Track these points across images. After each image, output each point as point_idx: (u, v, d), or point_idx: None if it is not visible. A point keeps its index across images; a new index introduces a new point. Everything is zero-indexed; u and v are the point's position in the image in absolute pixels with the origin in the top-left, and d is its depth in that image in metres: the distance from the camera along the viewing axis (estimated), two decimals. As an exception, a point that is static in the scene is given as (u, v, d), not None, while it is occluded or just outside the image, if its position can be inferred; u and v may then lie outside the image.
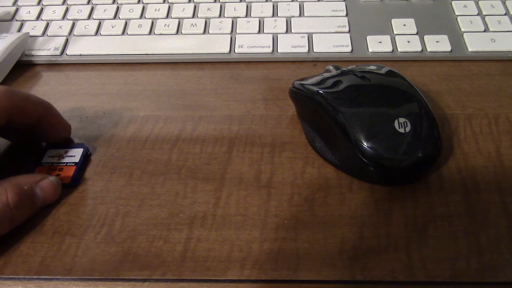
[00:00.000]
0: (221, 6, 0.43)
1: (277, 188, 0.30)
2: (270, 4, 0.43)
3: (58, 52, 0.40)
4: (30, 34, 0.41)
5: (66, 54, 0.40)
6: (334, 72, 0.32)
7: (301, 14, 0.42)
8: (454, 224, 0.27)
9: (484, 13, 0.41)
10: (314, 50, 0.39)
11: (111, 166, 0.31)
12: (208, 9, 0.43)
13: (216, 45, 0.40)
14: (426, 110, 0.30)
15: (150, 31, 0.41)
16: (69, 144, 0.33)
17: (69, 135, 0.33)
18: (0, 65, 0.37)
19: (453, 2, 0.42)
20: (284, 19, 0.41)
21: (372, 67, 0.32)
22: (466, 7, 0.42)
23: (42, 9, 0.44)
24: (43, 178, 0.28)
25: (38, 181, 0.28)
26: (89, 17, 0.43)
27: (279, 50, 0.39)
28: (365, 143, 0.28)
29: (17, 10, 0.44)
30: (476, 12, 0.41)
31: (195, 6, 0.43)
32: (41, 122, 0.30)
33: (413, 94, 0.31)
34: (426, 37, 0.39)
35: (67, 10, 0.43)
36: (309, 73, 0.35)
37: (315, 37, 0.40)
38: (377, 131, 0.28)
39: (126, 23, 0.42)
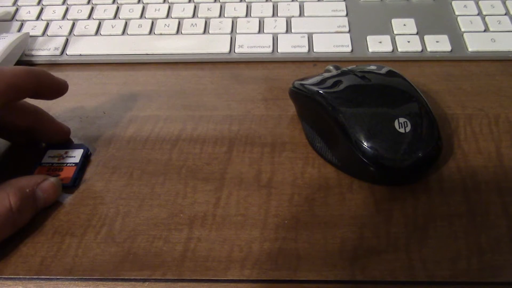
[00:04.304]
0: (221, 6, 0.43)
1: (277, 188, 0.30)
2: (270, 4, 0.43)
3: (58, 52, 0.40)
4: (30, 34, 0.41)
5: (66, 54, 0.40)
6: (334, 72, 0.32)
7: (301, 14, 0.42)
8: (454, 224, 0.27)
9: (484, 13, 0.41)
10: (314, 50, 0.39)
11: (111, 166, 0.31)
12: (208, 9, 0.43)
13: (216, 45, 0.40)
14: (426, 110, 0.30)
15: (150, 31, 0.41)
16: (69, 144, 0.33)
17: (66, 90, 0.31)
18: (0, 65, 0.37)
19: (453, 2, 0.42)
20: (284, 19, 0.41)
21: (372, 67, 0.32)
22: (466, 7, 0.42)
23: (42, 9, 0.44)
24: (44, 180, 0.28)
25: (39, 183, 0.28)
26: (89, 17, 0.43)
27: (279, 50, 0.39)
28: (365, 143, 0.28)
29: (17, 10, 0.44)
30: (476, 12, 0.41)
31: (195, 6, 0.43)
32: (38, 89, 0.29)
33: (413, 94, 0.31)
34: (426, 37, 0.39)
35: (67, 10, 0.43)
36: (309, 73, 0.35)
37: (315, 37, 0.40)
38: (377, 131, 0.28)
39: (126, 23, 0.42)
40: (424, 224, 0.27)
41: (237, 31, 0.41)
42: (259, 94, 0.36)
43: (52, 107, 0.34)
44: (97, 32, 0.41)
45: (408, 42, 0.39)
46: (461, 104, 0.35)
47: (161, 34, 0.41)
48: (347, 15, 0.42)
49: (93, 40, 0.41)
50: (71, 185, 0.30)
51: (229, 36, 0.40)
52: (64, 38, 0.41)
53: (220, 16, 0.42)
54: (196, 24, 0.41)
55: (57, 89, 0.31)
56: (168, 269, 0.26)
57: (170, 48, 0.40)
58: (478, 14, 0.41)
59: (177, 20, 0.42)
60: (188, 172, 0.31)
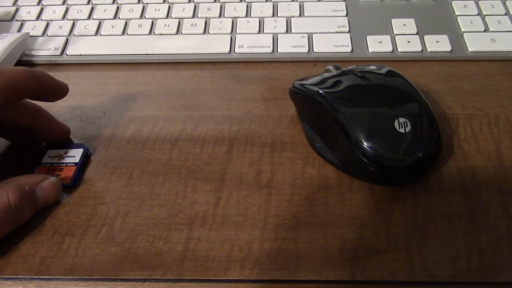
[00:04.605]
0: (221, 6, 0.43)
1: (277, 188, 0.30)
2: (270, 4, 0.43)
3: (58, 52, 0.40)
4: (30, 34, 0.41)
5: (66, 54, 0.40)
6: (334, 72, 0.32)
7: (301, 14, 0.42)
8: (454, 224, 0.27)
9: (484, 13, 0.41)
10: (314, 50, 0.39)
11: (111, 166, 0.31)
12: (208, 9, 0.43)
13: (216, 45, 0.40)
14: (426, 110, 0.30)
15: (150, 31, 0.41)
16: (69, 144, 0.33)
17: (66, 93, 0.31)
18: (0, 65, 0.37)
19: (453, 2, 0.42)
20: (284, 19, 0.41)
21: (372, 67, 0.32)
22: (466, 7, 0.42)
23: (42, 9, 0.44)
24: (43, 179, 0.28)
25: (39, 182, 0.28)
26: (89, 17, 0.43)
27: (279, 50, 0.39)
28: (365, 143, 0.28)
29: (17, 10, 0.44)
30: (476, 12, 0.41)
31: (195, 6, 0.43)
32: (37, 90, 0.29)
33: (413, 94, 0.31)
34: (426, 37, 0.39)
35: (67, 10, 0.43)
36: (309, 73, 0.35)
37: (315, 37, 0.40)
38: (377, 131, 0.28)
39: (126, 23, 0.42)
40: (424, 224, 0.27)
41: (237, 31, 0.41)
42: (259, 94, 0.36)
43: (52, 107, 0.33)
44: (97, 32, 0.41)
45: (408, 42, 0.39)
46: (461, 104, 0.35)
47: (161, 34, 0.41)
48: (347, 15, 0.42)
49: (93, 40, 0.41)
50: (71, 185, 0.30)
51: (229, 36, 0.40)
52: (64, 38, 0.41)
53: (220, 16, 0.42)
54: (196, 24, 0.41)
55: (57, 91, 0.31)
56: (168, 269, 0.26)
57: (170, 48, 0.40)
58: (478, 14, 0.41)
59: (177, 20, 0.42)
60: (188, 172, 0.31)
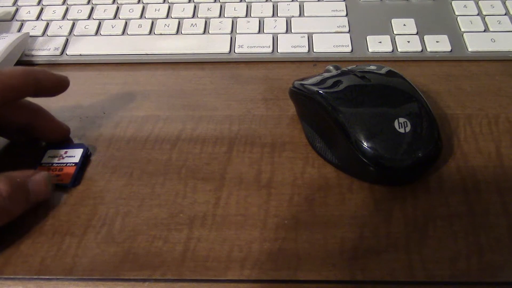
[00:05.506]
0: (221, 6, 0.43)
1: (277, 188, 0.30)
2: (270, 4, 0.43)
3: (58, 52, 0.40)
4: (30, 34, 0.41)
5: (66, 54, 0.40)
6: (334, 72, 0.32)
7: (301, 14, 0.42)
8: (454, 224, 0.27)
9: (484, 13, 0.41)
10: (314, 50, 0.39)
11: (111, 166, 0.31)
12: (208, 9, 0.43)
13: (216, 45, 0.40)
14: (426, 110, 0.30)
15: (150, 31, 0.41)
16: (69, 144, 0.33)
17: (67, 86, 0.31)
18: (0, 65, 0.37)
19: (453, 2, 0.42)
20: (284, 19, 0.41)
21: (372, 67, 0.32)
22: (466, 7, 0.42)
23: (42, 9, 0.44)
24: (35, 173, 0.28)
25: (30, 175, 0.28)
26: (89, 17, 0.43)
27: (279, 50, 0.39)
28: (365, 143, 0.28)
29: (17, 10, 0.44)
30: (476, 12, 0.41)
31: (195, 6, 0.43)
32: (37, 89, 0.29)
33: (413, 94, 0.31)
34: (426, 37, 0.39)
35: (67, 10, 0.43)
36: (309, 73, 0.35)
37: (315, 37, 0.40)
38: (377, 131, 0.28)
39: (126, 23, 0.42)
40: (424, 224, 0.27)
41: (237, 31, 0.41)
42: (259, 94, 0.36)
43: (52, 107, 0.33)
44: (97, 32, 0.41)
45: (408, 42, 0.39)
46: (461, 104, 0.35)
47: (161, 34, 0.41)
48: (347, 15, 0.42)
49: (93, 40, 0.41)
50: (71, 185, 0.30)
51: (229, 36, 0.40)
52: (64, 38, 0.41)
53: (220, 16, 0.42)
54: (196, 24, 0.41)
55: (57, 86, 0.31)
56: (168, 269, 0.26)
57: (170, 48, 0.40)
58: (478, 14, 0.41)
59: (177, 20, 0.42)
60: (188, 172, 0.31)
